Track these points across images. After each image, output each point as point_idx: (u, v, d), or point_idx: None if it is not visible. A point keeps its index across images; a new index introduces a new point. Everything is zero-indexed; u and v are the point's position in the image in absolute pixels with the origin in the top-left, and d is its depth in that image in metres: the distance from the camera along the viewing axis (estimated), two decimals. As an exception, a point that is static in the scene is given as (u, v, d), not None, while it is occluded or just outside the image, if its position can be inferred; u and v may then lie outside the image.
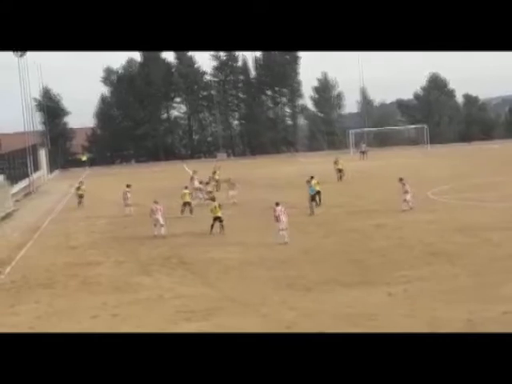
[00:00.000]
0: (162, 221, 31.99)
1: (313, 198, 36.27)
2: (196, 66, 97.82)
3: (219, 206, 31.70)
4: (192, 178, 45.28)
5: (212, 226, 31.30)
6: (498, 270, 21.48)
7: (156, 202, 33.08)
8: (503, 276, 20.69)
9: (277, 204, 29.08)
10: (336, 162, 52.33)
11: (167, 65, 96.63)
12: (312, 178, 38.78)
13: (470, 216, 31.97)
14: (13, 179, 54.12)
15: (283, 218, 28.26)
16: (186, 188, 39.40)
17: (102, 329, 17.91)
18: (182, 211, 37.68)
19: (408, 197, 34.65)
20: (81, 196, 46.10)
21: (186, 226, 34.02)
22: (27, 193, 57.65)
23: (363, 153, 73.56)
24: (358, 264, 23.83)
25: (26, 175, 60.74)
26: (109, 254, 28.68)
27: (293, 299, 19.83)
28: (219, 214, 31.35)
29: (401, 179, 35.79)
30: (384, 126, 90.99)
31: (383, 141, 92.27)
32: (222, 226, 31.28)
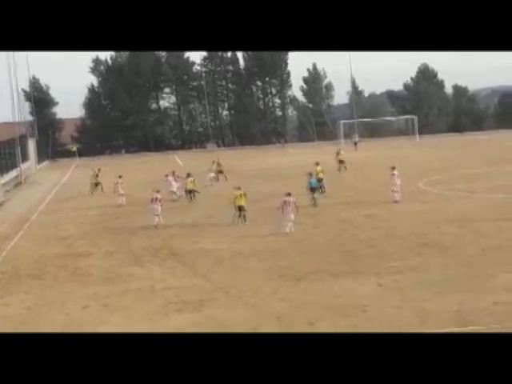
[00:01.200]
0: (160, 211, 32.06)
1: (313, 190, 36.12)
2: (185, 56, 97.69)
3: (244, 194, 31.55)
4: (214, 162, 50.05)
5: (239, 215, 31.13)
6: (488, 261, 21.57)
7: (157, 191, 33.28)
8: (494, 267, 20.76)
9: (288, 194, 28.97)
10: (338, 153, 52.45)
11: (156, 55, 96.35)
12: (317, 164, 39.77)
13: (460, 207, 32.10)
14: (2, 170, 53.93)
15: (289, 209, 28.30)
16: (189, 176, 40.31)
17: (92, 319, 17.93)
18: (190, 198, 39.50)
19: (396, 187, 34.55)
20: (97, 184, 46.65)
21: (177, 217, 33.98)
22: (17, 183, 57.49)
23: (356, 143, 74.03)
24: (348, 254, 23.87)
25: (14, 166, 60.54)
26: (100, 244, 28.62)
27: (283, 290, 19.86)
28: (243, 203, 31.23)
29: (393, 168, 35.70)
30: (374, 116, 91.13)
31: (373, 131, 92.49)
32: (244, 216, 31.12)
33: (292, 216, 28.35)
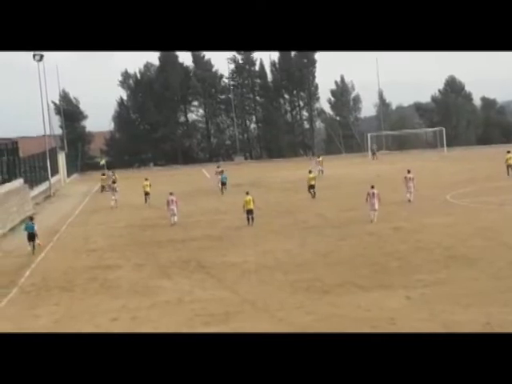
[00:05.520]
0: (175, 211, 36.47)
1: (223, 184, 50.18)
2: (213, 69, 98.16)
3: (252, 199, 34.78)
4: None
5: (247, 218, 34.38)
6: (516, 274, 21.42)
7: (171, 194, 37.45)
8: (522, 280, 20.62)
9: (372, 187, 33.45)
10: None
11: (185, 69, 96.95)
12: (310, 171, 44.98)
13: (488, 219, 31.84)
14: (32, 182, 54.48)
15: (374, 200, 32.64)
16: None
17: (120, 331, 18.00)
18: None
19: (409, 189, 38.74)
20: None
21: (204, 230, 34.19)
22: (46, 196, 58.05)
23: (374, 153, 75.48)
24: (375, 267, 23.81)
25: (45, 178, 61.14)
26: (128, 257, 28.82)
27: (310, 303, 19.86)
28: (251, 207, 34.43)
29: (408, 171, 39.93)
30: (402, 129, 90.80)
31: (401, 144, 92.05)
32: (252, 219, 34.27)
33: (376, 206, 32.66)
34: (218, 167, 57.26)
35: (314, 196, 43.57)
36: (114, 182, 49.70)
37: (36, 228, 31.09)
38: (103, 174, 61.32)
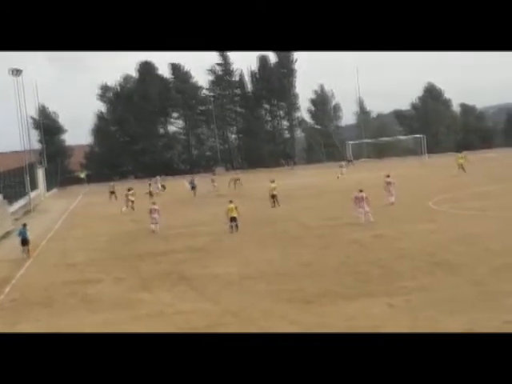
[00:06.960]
0: (157, 219, 37.88)
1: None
2: (193, 81, 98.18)
3: (236, 207, 35.67)
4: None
5: (231, 226, 35.22)
6: (499, 280, 21.37)
7: (154, 203, 39.49)
8: (505, 285, 20.58)
9: (360, 191, 34.90)
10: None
11: (164, 80, 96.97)
12: (273, 181, 46.31)
13: (470, 225, 31.88)
14: (11, 198, 54.06)
15: (362, 203, 34.04)
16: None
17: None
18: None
19: (390, 192, 40.30)
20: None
21: (185, 241, 33.99)
22: (26, 211, 57.64)
23: (349, 161, 76.48)
24: (358, 276, 23.71)
25: (23, 194, 60.73)
26: (108, 270, 28.57)
27: (293, 312, 19.71)
28: (235, 215, 35.36)
29: (387, 176, 41.81)
30: (382, 136, 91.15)
31: (381, 152, 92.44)
32: (236, 226, 35.19)
33: (366, 208, 34.06)
34: (213, 174, 66.27)
35: (274, 205, 44.72)
36: (129, 190, 51.89)
37: (28, 234, 34.24)
38: (129, 190, 53.16)
